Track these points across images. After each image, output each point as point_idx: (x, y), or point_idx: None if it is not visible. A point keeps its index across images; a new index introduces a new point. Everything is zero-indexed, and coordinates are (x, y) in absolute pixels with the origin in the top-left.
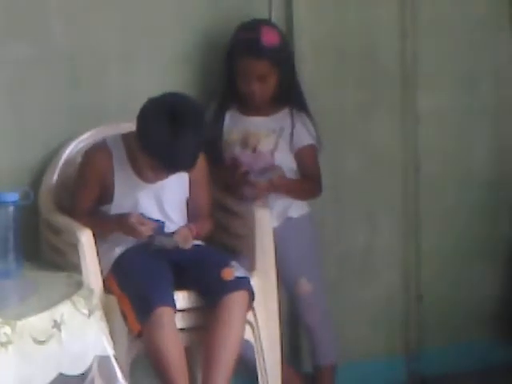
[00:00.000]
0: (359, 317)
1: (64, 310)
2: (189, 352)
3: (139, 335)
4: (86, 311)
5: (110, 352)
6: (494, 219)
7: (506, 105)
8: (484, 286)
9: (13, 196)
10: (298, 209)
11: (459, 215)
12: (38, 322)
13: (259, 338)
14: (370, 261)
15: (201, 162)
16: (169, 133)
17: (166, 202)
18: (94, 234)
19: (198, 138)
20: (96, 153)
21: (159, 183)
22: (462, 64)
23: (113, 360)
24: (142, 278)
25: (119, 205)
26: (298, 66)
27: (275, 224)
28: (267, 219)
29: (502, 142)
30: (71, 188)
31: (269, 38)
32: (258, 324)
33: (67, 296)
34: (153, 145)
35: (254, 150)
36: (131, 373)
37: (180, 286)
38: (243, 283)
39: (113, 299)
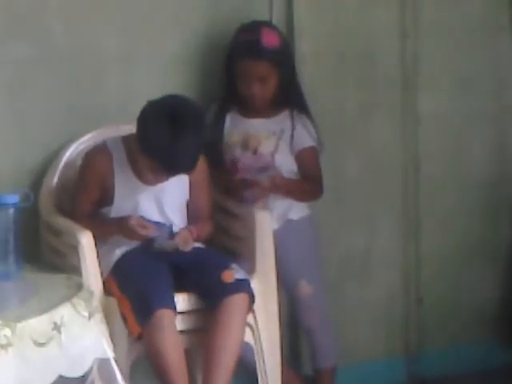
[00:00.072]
0: (359, 318)
1: (64, 312)
2: (189, 354)
3: (139, 337)
4: (86, 313)
5: (110, 354)
6: (494, 220)
7: (505, 105)
8: (484, 288)
9: (13, 198)
10: (298, 211)
11: (459, 216)
12: (38, 324)
13: (259, 340)
14: (369, 262)
15: (201, 164)
16: (169, 135)
17: (166, 204)
18: (94, 236)
19: (198, 141)
20: (96, 155)
21: (159, 185)
22: (462, 65)
23: (113, 362)
24: (142, 280)
25: (119, 207)
26: (299, 68)
27: (275, 226)
28: (267, 221)
29: (502, 142)
30: (71, 190)
31: (269, 39)
32: (258, 326)
33: (67, 298)
34: (153, 147)
35: (255, 152)
36: (131, 375)
37: (180, 289)
38: (243, 285)
39: (113, 301)
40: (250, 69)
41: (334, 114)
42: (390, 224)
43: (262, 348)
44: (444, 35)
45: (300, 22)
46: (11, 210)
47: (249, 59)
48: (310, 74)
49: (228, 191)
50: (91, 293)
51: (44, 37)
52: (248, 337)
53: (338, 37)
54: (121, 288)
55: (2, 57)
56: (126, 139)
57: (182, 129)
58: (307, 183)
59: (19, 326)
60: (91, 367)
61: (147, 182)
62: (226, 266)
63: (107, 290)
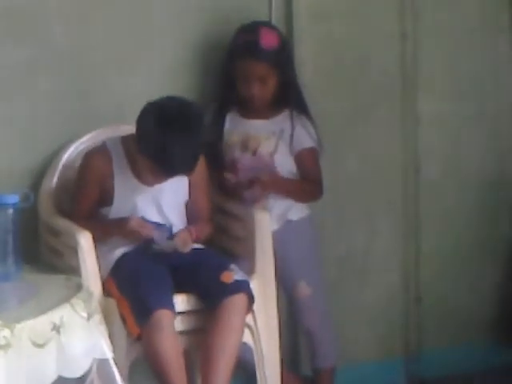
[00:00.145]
0: (359, 318)
1: (63, 312)
2: (188, 355)
3: (138, 338)
4: (85, 314)
5: (109, 355)
6: (494, 220)
7: (505, 106)
8: (484, 287)
9: (12, 198)
10: (297, 211)
11: (459, 216)
12: (37, 324)
13: (258, 341)
14: (369, 262)
15: (200, 165)
16: (168, 136)
17: (165, 205)
18: (93, 237)
19: (198, 141)
20: (96, 155)
21: (158, 186)
22: (461, 65)
23: (112, 363)
24: (141, 280)
25: (119, 207)
26: (298, 68)
27: (275, 227)
28: (267, 222)
29: (502, 142)
30: (71, 191)
31: (268, 39)
32: (258, 327)
33: (66, 299)
34: (152, 148)
35: (254, 152)
36: (130, 376)
37: (179, 289)
38: (243, 286)
39: (112, 302)
40: (249, 69)
41: (334, 115)
42: (389, 224)
43: (261, 349)
44: (444, 35)
45: (300, 23)
46: (11, 211)
47: (248, 60)
48: (309, 74)
49: (227, 192)
50: (90, 293)
51: (44, 37)
52: (247, 337)
53: (338, 37)
54: (120, 289)
55: (1, 57)
56: (125, 140)
57: (182, 130)
58: (307, 184)
59: (18, 326)
60: (90, 368)
61: (146, 183)
62: (226, 267)
63: (106, 291)
